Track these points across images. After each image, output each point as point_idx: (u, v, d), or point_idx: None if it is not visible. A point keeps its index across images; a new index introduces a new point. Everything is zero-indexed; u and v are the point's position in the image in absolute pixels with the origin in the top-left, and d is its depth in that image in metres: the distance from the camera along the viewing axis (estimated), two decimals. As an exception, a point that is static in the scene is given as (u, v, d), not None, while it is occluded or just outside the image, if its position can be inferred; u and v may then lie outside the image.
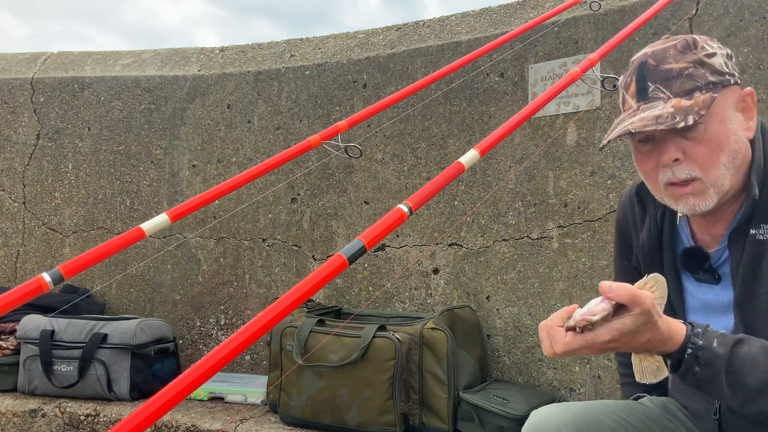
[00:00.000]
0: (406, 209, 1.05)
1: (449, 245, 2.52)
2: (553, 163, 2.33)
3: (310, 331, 2.19)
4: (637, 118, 1.06)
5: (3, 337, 2.63)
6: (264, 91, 2.87)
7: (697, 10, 2.08)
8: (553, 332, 0.93)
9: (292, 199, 2.80)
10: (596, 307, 0.90)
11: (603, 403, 1.23)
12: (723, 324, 1.12)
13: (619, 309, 0.91)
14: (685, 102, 1.03)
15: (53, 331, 2.48)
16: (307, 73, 2.81)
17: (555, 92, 1.36)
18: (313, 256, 2.76)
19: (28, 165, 3.09)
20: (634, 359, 0.97)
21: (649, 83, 1.08)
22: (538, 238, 2.35)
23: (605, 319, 0.90)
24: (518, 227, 2.39)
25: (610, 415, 1.17)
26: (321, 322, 2.24)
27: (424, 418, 2.12)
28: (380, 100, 2.06)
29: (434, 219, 2.55)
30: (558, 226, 2.31)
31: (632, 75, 1.11)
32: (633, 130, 1.04)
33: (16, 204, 3.09)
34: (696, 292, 1.18)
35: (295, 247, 2.79)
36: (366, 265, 2.66)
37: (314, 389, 2.14)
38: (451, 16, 2.72)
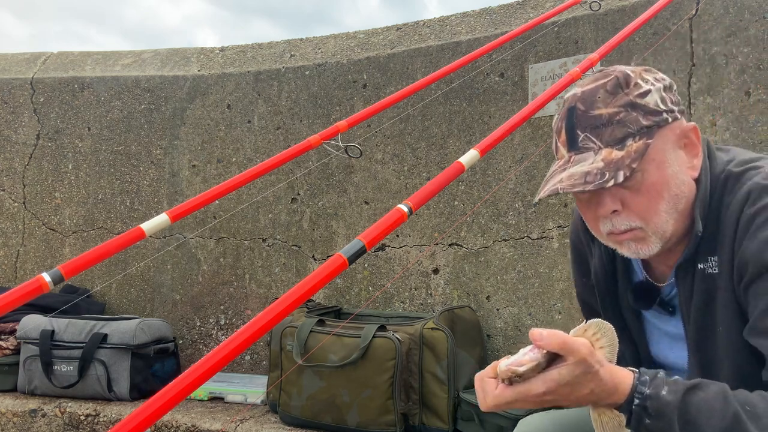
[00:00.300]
0: (406, 209, 1.04)
1: (449, 245, 2.52)
2: (553, 162, 2.33)
3: (310, 331, 2.19)
4: (566, 174, 1.01)
5: (3, 337, 2.63)
6: (264, 91, 2.87)
7: (697, 10, 2.08)
8: (485, 384, 0.85)
9: (292, 199, 2.80)
10: (525, 356, 0.82)
11: None
12: (687, 354, 1.09)
13: (555, 358, 0.82)
14: (616, 153, 0.98)
15: (53, 331, 2.48)
16: (307, 73, 2.81)
17: (555, 92, 1.35)
18: (313, 256, 2.76)
19: (28, 165, 3.09)
20: (593, 414, 0.88)
21: (579, 132, 1.02)
22: (538, 238, 2.35)
23: (535, 370, 0.81)
24: (518, 227, 2.39)
25: None
26: (321, 322, 2.24)
27: (424, 418, 2.12)
28: (380, 100, 2.06)
29: (434, 219, 2.55)
30: (558, 226, 2.31)
31: (562, 121, 1.05)
32: (561, 191, 1.00)
33: (16, 204, 3.09)
34: (657, 322, 1.16)
35: (295, 247, 2.79)
36: (366, 265, 2.66)
37: (314, 389, 2.14)
38: (451, 16, 2.72)
